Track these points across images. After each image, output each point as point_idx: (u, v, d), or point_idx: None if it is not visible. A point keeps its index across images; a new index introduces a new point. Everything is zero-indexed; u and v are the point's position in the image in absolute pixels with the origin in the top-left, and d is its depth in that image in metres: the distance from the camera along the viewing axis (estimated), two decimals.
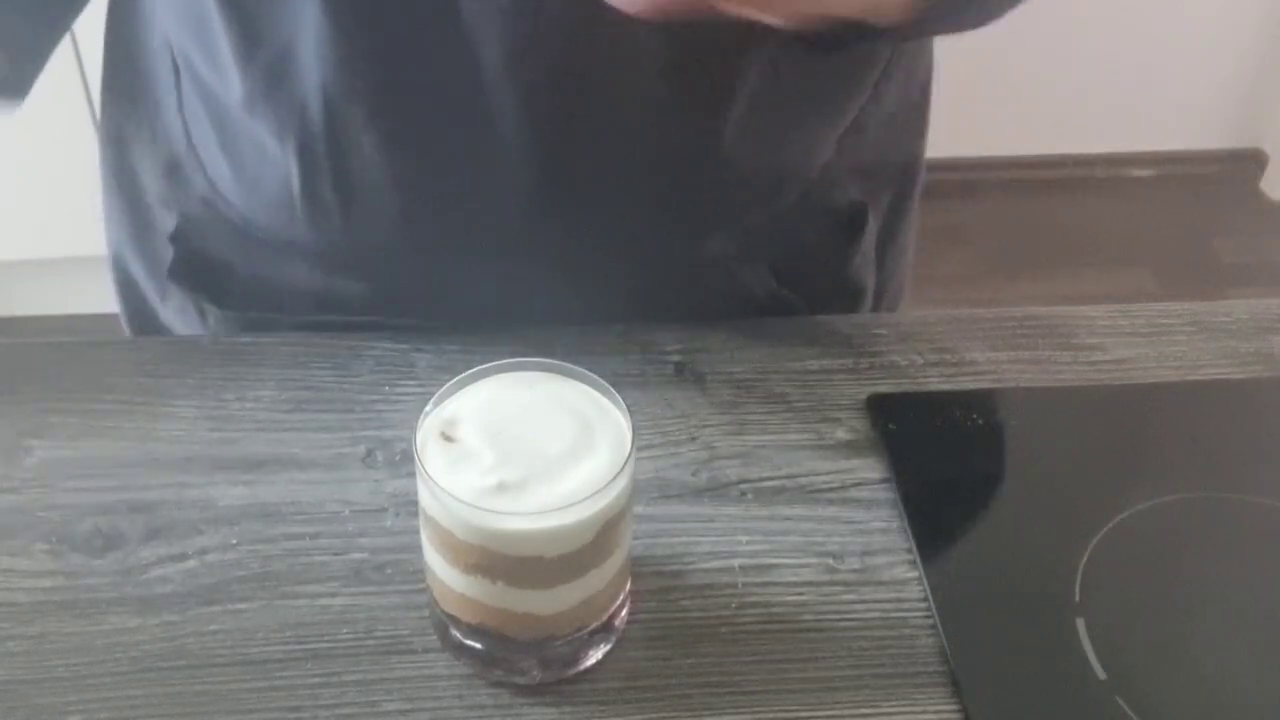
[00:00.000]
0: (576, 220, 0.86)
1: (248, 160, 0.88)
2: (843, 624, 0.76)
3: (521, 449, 0.67)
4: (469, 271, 0.88)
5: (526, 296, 0.88)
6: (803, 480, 0.84)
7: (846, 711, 0.71)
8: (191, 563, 0.77)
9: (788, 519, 0.81)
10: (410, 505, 0.80)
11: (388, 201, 0.85)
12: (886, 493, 0.83)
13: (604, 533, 0.67)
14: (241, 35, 0.81)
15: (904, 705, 0.72)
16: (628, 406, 0.69)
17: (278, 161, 0.85)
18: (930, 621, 0.76)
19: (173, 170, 0.95)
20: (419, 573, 0.74)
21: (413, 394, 0.86)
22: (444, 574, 0.69)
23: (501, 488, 0.66)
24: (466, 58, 0.78)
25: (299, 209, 0.87)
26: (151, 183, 0.97)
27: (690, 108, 0.83)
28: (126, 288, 1.04)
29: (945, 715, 0.71)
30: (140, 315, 1.04)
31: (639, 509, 0.79)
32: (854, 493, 0.83)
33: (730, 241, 0.93)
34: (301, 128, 0.83)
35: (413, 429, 0.68)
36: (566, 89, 0.80)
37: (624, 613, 0.74)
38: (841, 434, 0.86)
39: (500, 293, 0.89)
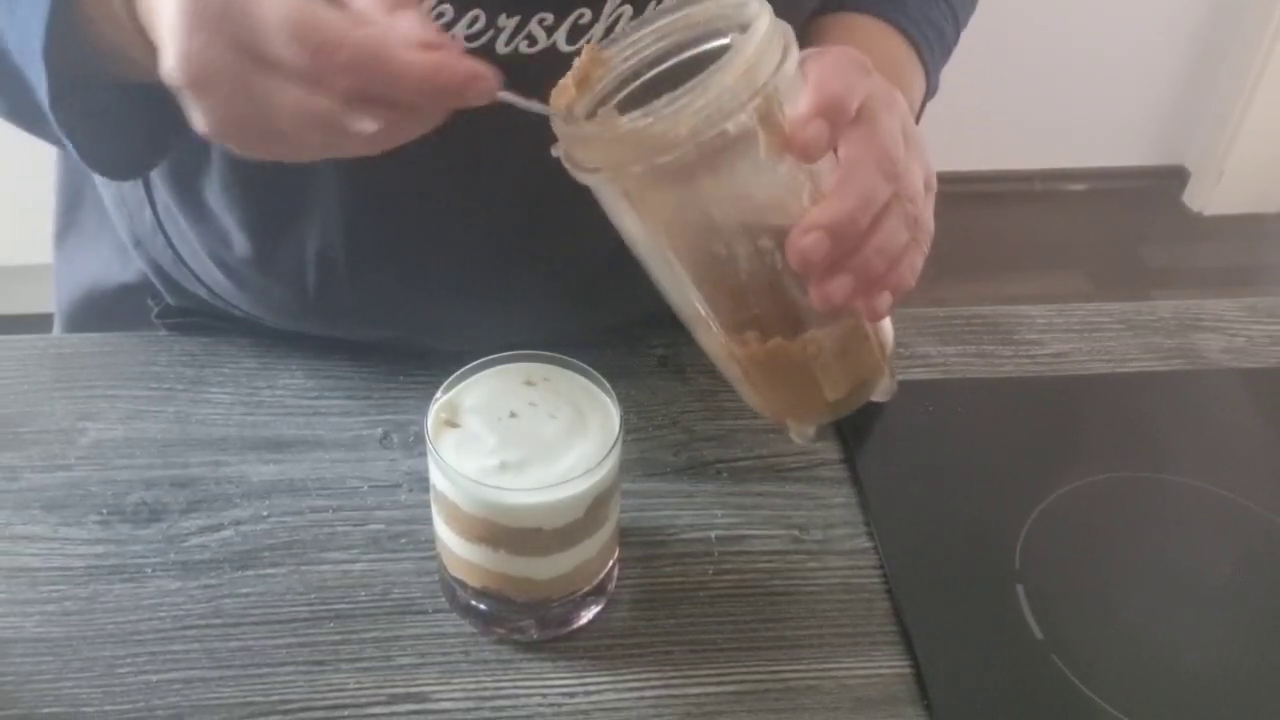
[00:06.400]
0: (543, 272, 0.83)
1: (252, 282, 0.84)
2: (807, 588, 0.76)
3: (521, 432, 0.67)
4: (462, 303, 0.84)
5: (504, 334, 0.85)
6: (772, 460, 0.84)
7: (810, 666, 0.71)
8: (227, 532, 0.77)
9: (759, 495, 0.81)
10: (422, 482, 0.79)
11: (394, 290, 0.82)
12: (846, 472, 0.83)
13: (595, 507, 0.67)
14: (250, 209, 0.78)
15: (861, 661, 0.72)
16: (616, 395, 0.69)
17: (287, 282, 0.82)
18: (885, 587, 0.76)
19: (157, 272, 0.91)
20: (430, 542, 0.74)
21: (424, 382, 0.86)
22: (452, 543, 0.69)
23: (503, 467, 0.66)
24: (468, 156, 0.74)
25: (308, 312, 0.85)
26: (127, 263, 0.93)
27: None
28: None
29: (898, 670, 0.71)
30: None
31: (626, 485, 0.79)
32: (818, 472, 0.83)
33: None
34: (318, 262, 0.80)
35: (424, 414, 0.68)
36: (546, 168, 0.76)
37: (613, 578, 0.74)
38: None
39: (488, 322, 0.85)
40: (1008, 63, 2.61)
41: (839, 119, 0.56)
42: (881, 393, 0.67)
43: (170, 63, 0.53)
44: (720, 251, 0.59)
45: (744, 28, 0.56)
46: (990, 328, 0.95)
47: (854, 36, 0.79)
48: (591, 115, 0.59)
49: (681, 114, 0.53)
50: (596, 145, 0.56)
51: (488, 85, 0.53)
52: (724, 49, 0.56)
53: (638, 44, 0.60)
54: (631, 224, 0.59)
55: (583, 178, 0.57)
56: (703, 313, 0.62)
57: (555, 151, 0.58)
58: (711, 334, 0.63)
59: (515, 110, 0.72)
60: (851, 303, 0.59)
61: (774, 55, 0.55)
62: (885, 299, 0.60)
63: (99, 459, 0.81)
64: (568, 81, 0.59)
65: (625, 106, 0.59)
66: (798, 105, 0.56)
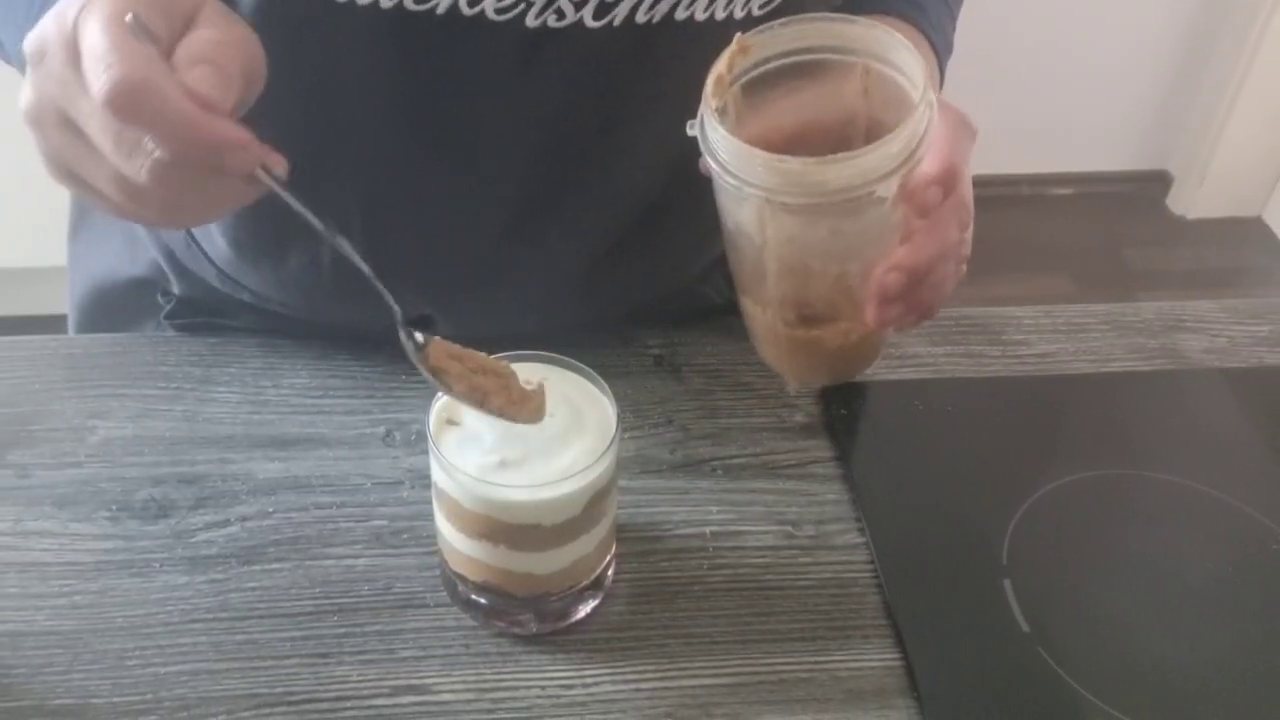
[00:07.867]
0: (550, 252, 0.83)
1: (268, 258, 0.84)
2: (800, 583, 0.76)
3: (520, 430, 0.67)
4: (472, 280, 0.84)
5: (509, 317, 0.85)
6: (766, 458, 0.84)
7: (803, 659, 0.71)
8: (233, 528, 0.77)
9: (752, 491, 0.81)
10: (424, 479, 0.80)
11: (407, 264, 0.80)
12: (838, 469, 0.83)
13: (592, 503, 0.67)
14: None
15: (853, 654, 0.72)
16: (613, 393, 0.69)
17: (304, 254, 0.82)
18: (876, 581, 0.76)
19: (168, 258, 0.91)
20: (431, 538, 0.74)
21: (426, 381, 0.86)
22: (453, 539, 0.69)
23: (503, 464, 0.66)
24: (475, 118, 0.74)
25: (322, 288, 0.84)
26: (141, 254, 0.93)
27: (673, 165, 0.77)
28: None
29: (889, 663, 0.71)
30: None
31: (623, 482, 0.79)
32: (810, 469, 0.83)
33: (694, 265, 0.92)
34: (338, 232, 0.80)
35: (426, 412, 0.68)
36: (560, 140, 0.76)
37: (610, 572, 0.74)
38: (800, 418, 0.87)
39: (492, 305, 0.85)
40: (996, 70, 2.61)
41: (951, 186, 0.64)
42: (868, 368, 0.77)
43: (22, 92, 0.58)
44: (815, 267, 0.65)
45: (881, 59, 0.64)
46: (978, 328, 0.95)
47: None
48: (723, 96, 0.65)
49: (846, 167, 0.59)
50: (758, 167, 0.60)
51: (247, 156, 0.57)
52: (845, 64, 0.64)
53: (779, 39, 0.65)
54: (747, 222, 0.64)
55: (725, 179, 0.61)
56: (766, 294, 0.67)
57: (691, 130, 0.62)
58: (759, 307, 0.68)
59: (524, 106, 0.73)
60: (895, 324, 0.67)
61: (923, 125, 0.60)
62: (919, 322, 0.69)
63: (108, 456, 0.81)
64: (722, 71, 0.63)
65: (747, 89, 0.66)
66: (922, 164, 0.62)
